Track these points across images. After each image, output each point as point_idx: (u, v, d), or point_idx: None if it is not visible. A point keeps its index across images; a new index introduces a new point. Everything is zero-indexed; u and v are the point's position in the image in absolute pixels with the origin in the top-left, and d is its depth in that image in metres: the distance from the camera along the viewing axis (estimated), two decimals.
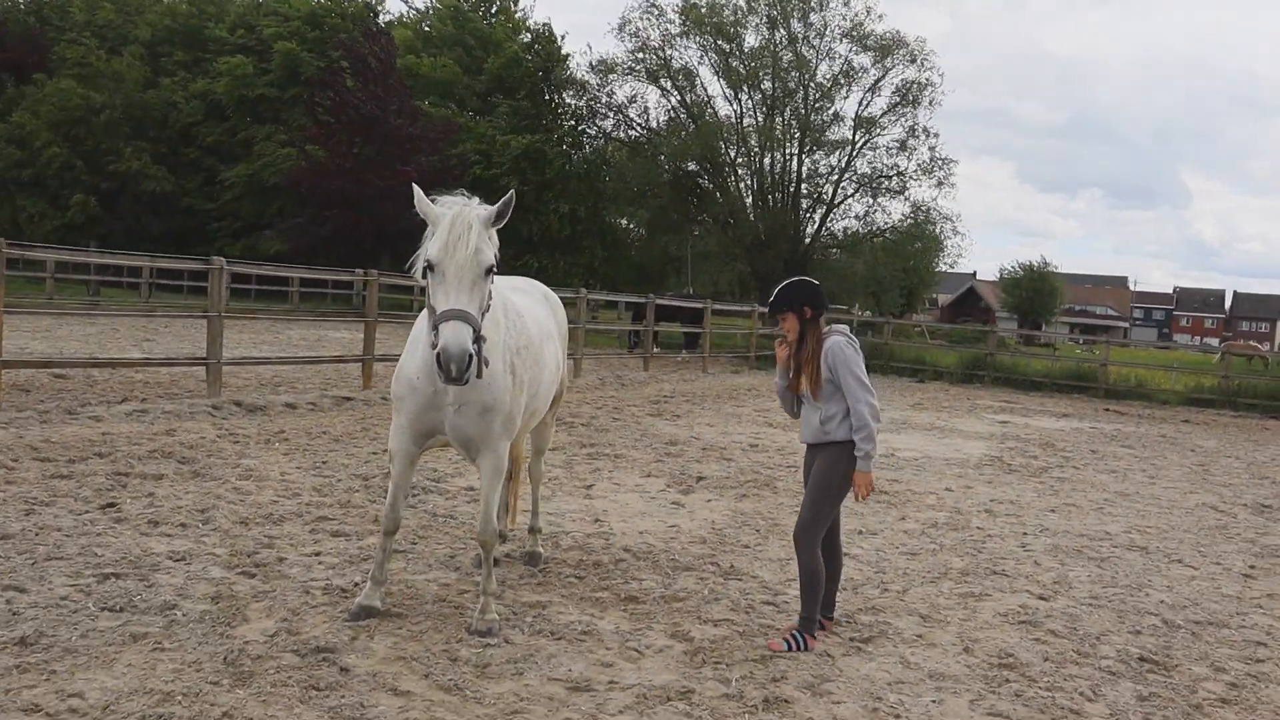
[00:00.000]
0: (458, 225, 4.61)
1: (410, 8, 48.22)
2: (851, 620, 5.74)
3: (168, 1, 52.53)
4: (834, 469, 5.24)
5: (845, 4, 38.78)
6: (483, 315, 4.66)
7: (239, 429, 10.64)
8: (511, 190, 4.83)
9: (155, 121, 46.03)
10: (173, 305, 30.56)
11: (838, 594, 5.75)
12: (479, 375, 4.62)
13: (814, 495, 5.29)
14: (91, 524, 6.53)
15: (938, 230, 40.26)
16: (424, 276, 4.73)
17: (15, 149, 43.75)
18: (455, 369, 4.39)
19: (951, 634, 5.64)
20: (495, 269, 4.78)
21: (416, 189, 4.82)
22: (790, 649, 5.13)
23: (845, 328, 5.44)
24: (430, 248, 4.67)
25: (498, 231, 4.91)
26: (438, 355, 4.44)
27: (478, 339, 4.55)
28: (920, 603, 6.20)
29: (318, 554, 6.26)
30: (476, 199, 4.84)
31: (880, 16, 41.29)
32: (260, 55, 45.55)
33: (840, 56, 39.24)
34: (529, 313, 5.72)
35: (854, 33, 38.70)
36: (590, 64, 41.80)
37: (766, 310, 5.57)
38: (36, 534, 6.20)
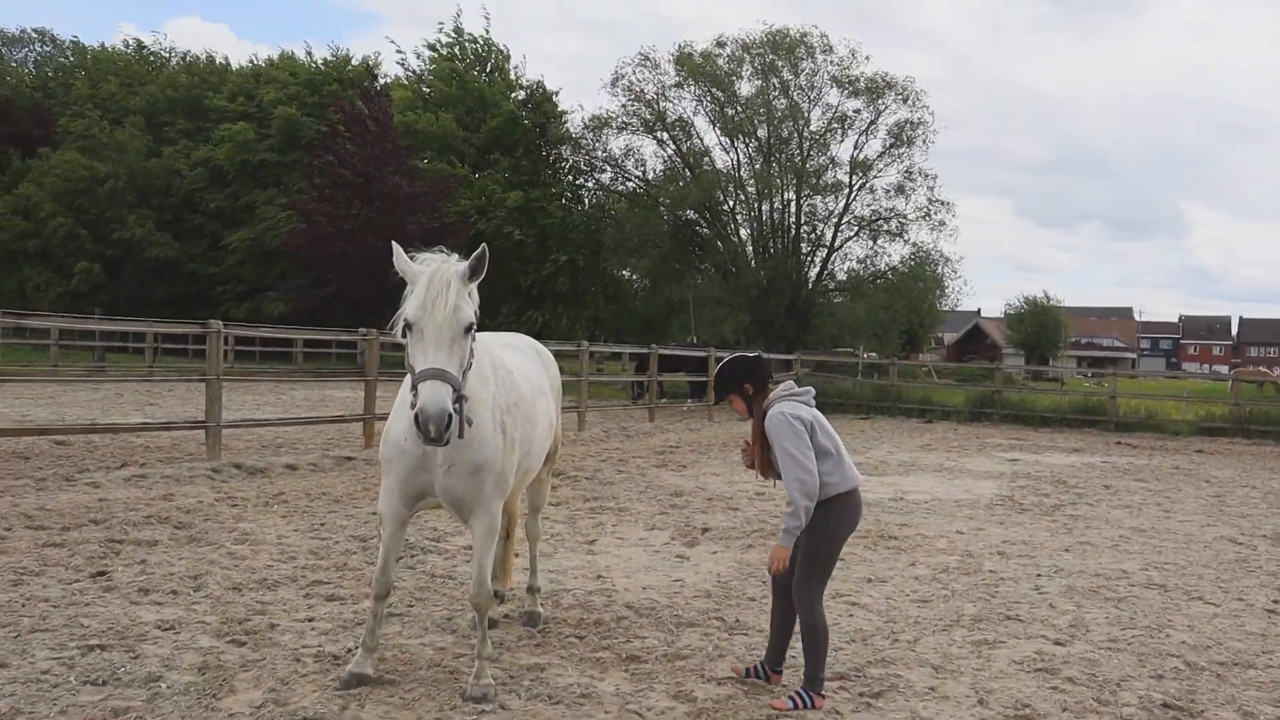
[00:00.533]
0: (435, 283, 4.51)
1: (407, 70, 48.75)
2: (861, 674, 5.55)
3: (168, 73, 53.36)
4: (814, 526, 5.05)
5: (828, 51, 39.15)
6: (464, 373, 4.55)
7: (238, 492, 10.50)
8: (484, 245, 4.74)
9: (158, 189, 46.54)
10: (177, 369, 30.56)
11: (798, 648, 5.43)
12: (460, 435, 4.49)
13: (803, 554, 5.11)
14: (80, 593, 6.38)
15: (938, 271, 40.27)
16: (404, 336, 4.63)
17: (21, 220, 44.21)
18: (434, 429, 4.27)
19: (965, 685, 5.44)
20: (475, 326, 4.67)
21: (395, 247, 4.72)
22: (795, 708, 4.94)
23: (789, 386, 5.29)
24: (408, 306, 4.57)
25: (480, 286, 4.80)
26: (416, 416, 4.32)
27: (459, 398, 4.44)
28: (932, 653, 5.99)
29: (311, 619, 6.10)
30: (455, 256, 4.74)
31: (867, 58, 41.42)
32: (260, 121, 46.09)
33: (833, 106, 39.54)
34: (519, 369, 5.60)
35: (842, 78, 39.03)
36: (584, 121, 42.15)
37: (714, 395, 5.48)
38: (23, 605, 6.06)
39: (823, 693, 5.05)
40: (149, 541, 7.92)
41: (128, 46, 57.92)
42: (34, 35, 66.38)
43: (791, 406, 5.10)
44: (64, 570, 6.93)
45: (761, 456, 5.20)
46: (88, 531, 8.16)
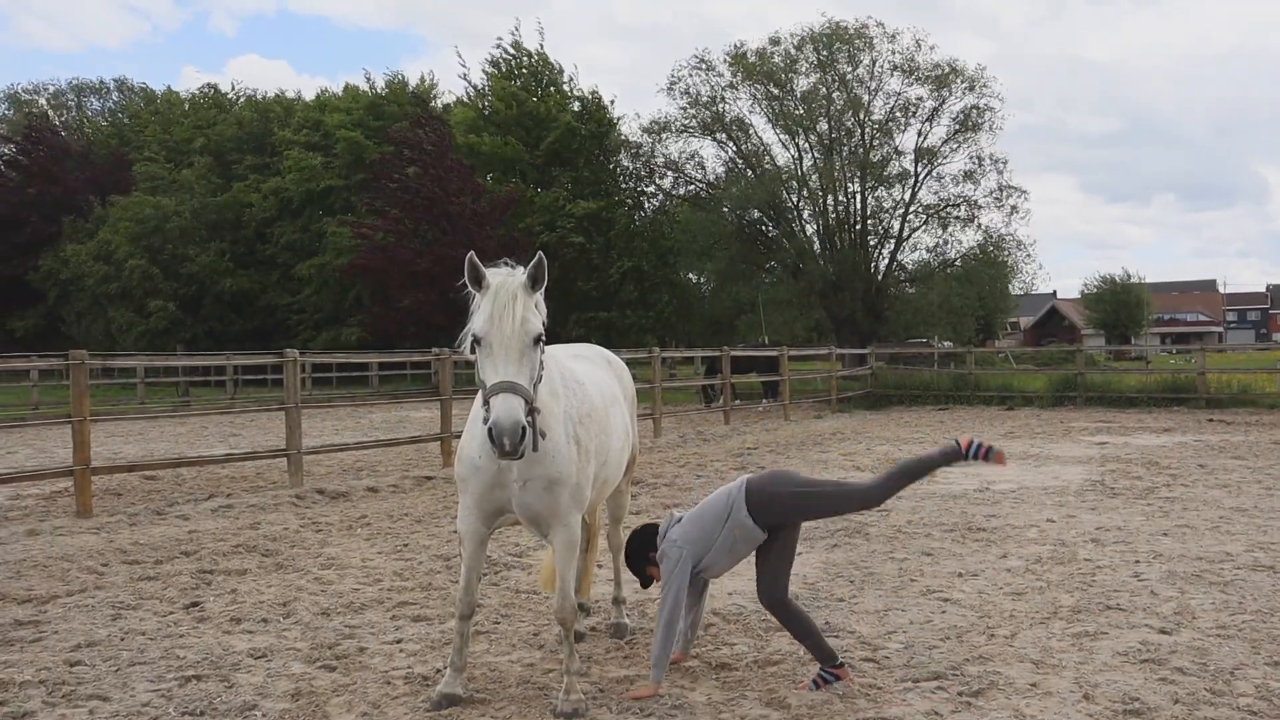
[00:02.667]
0: (501, 296, 4.48)
1: (469, 85, 49.21)
2: (958, 672, 5.38)
3: (236, 111, 54.78)
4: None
5: (892, 40, 38.60)
6: (535, 385, 4.52)
7: (322, 517, 10.66)
8: (540, 252, 4.70)
9: (230, 224, 47.67)
10: (257, 399, 31.27)
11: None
12: (535, 448, 4.46)
13: (777, 565, 5.29)
14: (175, 625, 6.51)
15: (1009, 257, 39.41)
16: (472, 352, 4.61)
17: (103, 264, 45.59)
18: (509, 443, 4.24)
19: (1068, 680, 5.24)
20: (544, 337, 4.63)
21: (471, 256, 4.65)
22: (818, 687, 5.11)
23: (664, 519, 5.48)
24: (475, 321, 4.55)
25: (549, 296, 4.78)
26: (489, 430, 4.29)
27: (531, 410, 4.40)
28: (1031, 647, 5.80)
29: (399, 641, 6.13)
30: (520, 268, 4.71)
31: (932, 48, 40.64)
32: (325, 150, 47.02)
33: (894, 92, 38.98)
34: (590, 379, 5.55)
35: (905, 66, 38.44)
36: (642, 126, 42.22)
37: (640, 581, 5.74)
38: (122, 639, 6.20)
39: (840, 663, 5.18)
40: (238, 571, 8.06)
41: (207, 90, 59.58)
42: (111, 85, 68.83)
43: (666, 544, 5.31)
44: (159, 603, 7.09)
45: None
46: (180, 564, 8.34)
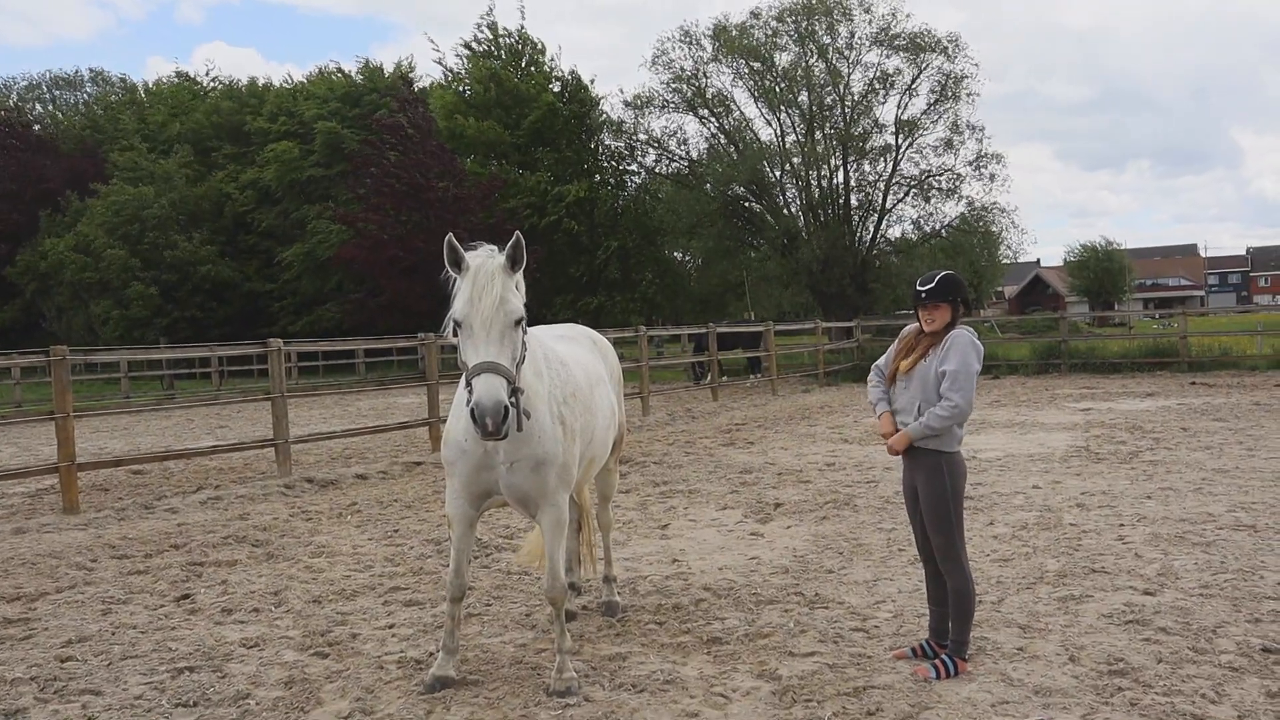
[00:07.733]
0: (480, 278, 4.48)
1: (446, 69, 48.89)
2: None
3: (211, 99, 54.23)
4: (938, 484, 4.98)
5: (867, 10, 38.49)
6: (517, 366, 4.52)
7: (311, 505, 10.66)
8: (517, 233, 4.69)
9: (208, 213, 47.27)
10: (243, 389, 31.17)
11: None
12: (519, 428, 4.47)
13: (933, 519, 5.01)
14: (166, 618, 6.52)
15: (994, 226, 39.45)
16: (455, 335, 4.61)
17: (81, 255, 45.04)
18: (491, 423, 4.25)
19: (1054, 643, 5.31)
20: (525, 318, 4.63)
21: (449, 238, 4.61)
22: (938, 676, 4.86)
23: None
24: (456, 305, 4.56)
25: (538, 279, 4.78)
26: (471, 411, 4.30)
27: (514, 391, 4.41)
28: (1018, 612, 5.86)
29: (391, 626, 6.15)
30: (495, 247, 4.71)
31: (908, 16, 40.56)
32: (303, 138, 46.65)
33: (873, 65, 38.88)
34: (574, 359, 5.56)
35: (881, 36, 38.34)
36: (624, 101, 42.03)
37: (923, 294, 5.02)
38: (113, 633, 6.20)
39: (966, 657, 4.99)
40: (228, 562, 8.06)
41: (181, 78, 58.84)
42: (85, 76, 67.88)
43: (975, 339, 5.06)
44: (149, 596, 7.09)
45: (914, 361, 5.05)
46: (169, 557, 8.34)
